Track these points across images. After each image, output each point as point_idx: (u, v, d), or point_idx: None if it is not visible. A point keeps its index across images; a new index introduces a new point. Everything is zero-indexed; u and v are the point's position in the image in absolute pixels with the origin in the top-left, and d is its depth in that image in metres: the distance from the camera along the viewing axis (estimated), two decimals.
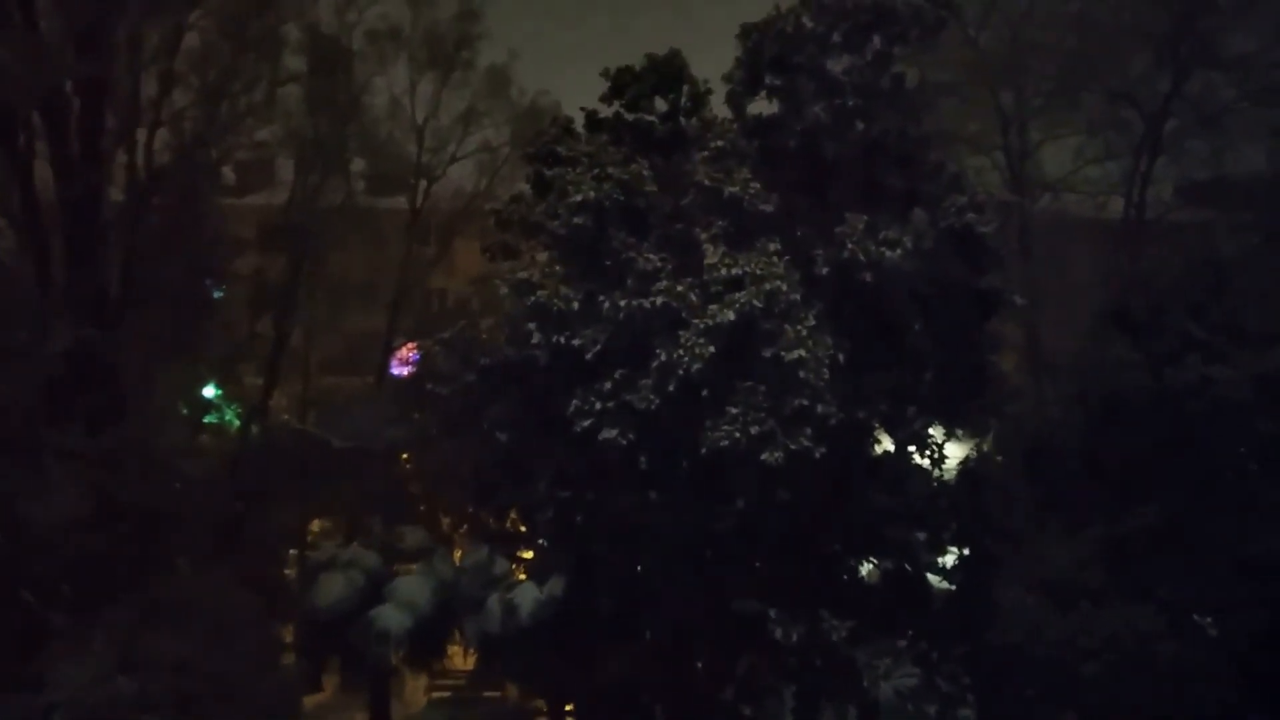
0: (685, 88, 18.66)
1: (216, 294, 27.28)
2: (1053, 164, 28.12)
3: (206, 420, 26.51)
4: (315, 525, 27.43)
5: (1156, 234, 27.11)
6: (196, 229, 23.19)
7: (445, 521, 24.38)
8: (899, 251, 16.32)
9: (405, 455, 25.24)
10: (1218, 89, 26.55)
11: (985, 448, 19.57)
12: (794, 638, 16.47)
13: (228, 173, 28.45)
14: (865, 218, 16.59)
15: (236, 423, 26.82)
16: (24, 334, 17.48)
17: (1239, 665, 17.33)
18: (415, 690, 26.22)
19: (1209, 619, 18.42)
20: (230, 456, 23.62)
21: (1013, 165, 27.66)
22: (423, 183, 29.41)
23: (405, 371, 29.59)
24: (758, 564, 17.80)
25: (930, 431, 17.99)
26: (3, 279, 19.24)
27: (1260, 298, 19.08)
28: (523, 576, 19.63)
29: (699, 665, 18.75)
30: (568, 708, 21.32)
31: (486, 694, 26.64)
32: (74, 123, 19.08)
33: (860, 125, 17.66)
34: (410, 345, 29.52)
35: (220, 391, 26.69)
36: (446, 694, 26.95)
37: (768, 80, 18.00)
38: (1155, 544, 18.16)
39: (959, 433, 18.83)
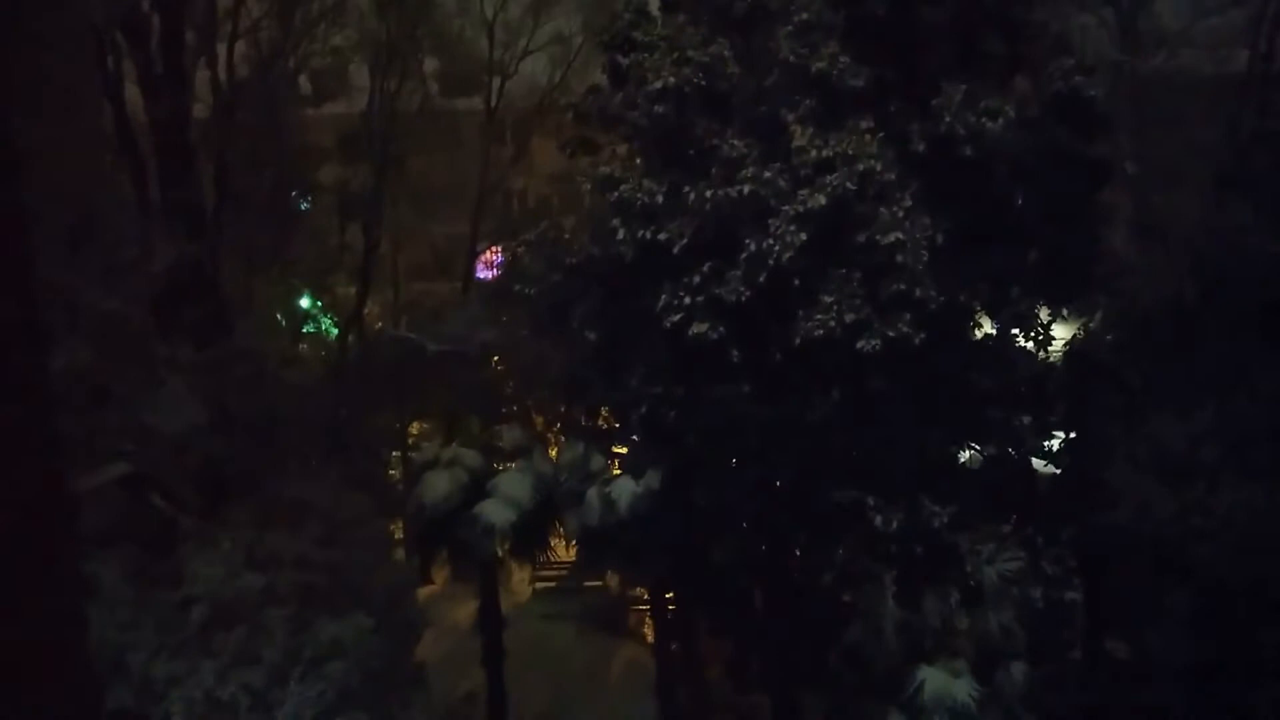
0: None
1: (303, 205, 27.77)
2: (1169, 16, 25.81)
3: (305, 330, 27.36)
4: (415, 427, 28.35)
5: None
6: (280, 141, 23.46)
7: (539, 421, 24.88)
8: (1001, 121, 15.34)
9: (497, 357, 25.64)
10: None
11: (1093, 327, 18.75)
12: (894, 525, 16.38)
13: (304, 83, 28.52)
14: (964, 87, 15.58)
15: (334, 331, 27.59)
16: (130, 252, 18.05)
17: None
18: (521, 581, 27.34)
19: None
20: (331, 364, 24.37)
21: (1123, 22, 25.54)
22: (496, 81, 28.96)
23: (490, 275, 29.85)
24: (855, 453, 17.61)
25: (1035, 312, 17.27)
26: (108, 199, 19.81)
27: None
28: (618, 471, 19.93)
29: (797, 553, 18.90)
30: (667, 595, 21.89)
31: (589, 583, 27.63)
32: (155, 41, 19.26)
33: None
34: (494, 248, 29.66)
35: (317, 301, 27.42)
36: (551, 584, 28.06)
37: None
38: (1275, 419, 17.28)
39: (1065, 313, 18.05)
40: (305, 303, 27.29)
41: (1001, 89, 15.84)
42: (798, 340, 15.67)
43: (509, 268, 21.61)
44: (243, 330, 19.23)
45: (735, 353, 16.45)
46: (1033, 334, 17.47)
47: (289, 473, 17.79)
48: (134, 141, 19.40)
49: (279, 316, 25.33)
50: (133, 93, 19.50)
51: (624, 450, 20.35)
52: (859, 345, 15.23)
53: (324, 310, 27.39)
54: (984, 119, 15.32)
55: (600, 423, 21.48)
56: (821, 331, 15.34)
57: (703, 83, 16.48)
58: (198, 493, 17.14)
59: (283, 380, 18.78)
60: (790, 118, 16.24)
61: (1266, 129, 20.95)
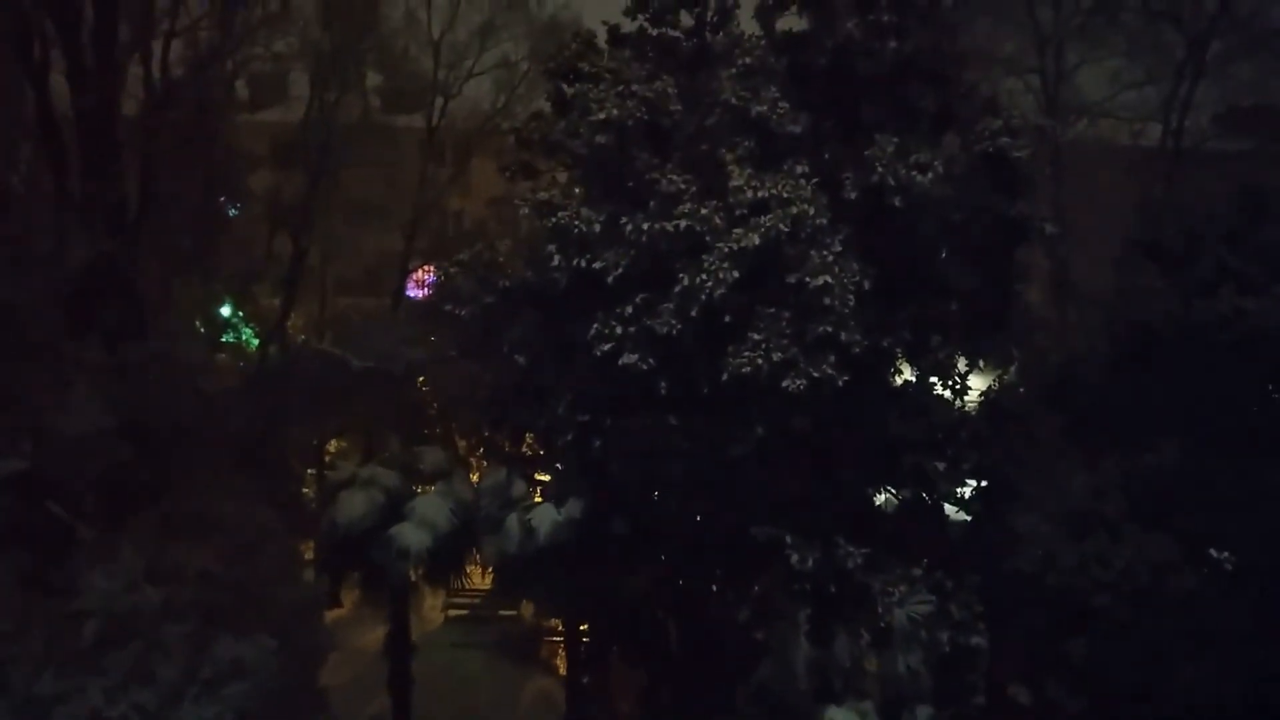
0: (712, 1, 18.01)
1: (231, 211, 27.14)
2: (1090, 88, 27.21)
3: (224, 339, 26.60)
4: (333, 444, 27.70)
5: (1194, 162, 26.32)
6: (211, 144, 22.95)
7: (462, 444, 24.55)
8: (930, 176, 15.91)
9: (422, 378, 25.26)
10: (1269, 9, 25.42)
11: (1007, 378, 19.38)
12: (809, 563, 16.57)
13: (241, 87, 27.99)
14: (896, 140, 16.14)
15: (254, 342, 26.89)
16: (44, 245, 17.39)
17: (1254, 600, 17.36)
18: (433, 608, 26.80)
19: (1225, 553, 18.40)
20: (248, 375, 23.71)
21: (1048, 88, 26.80)
22: (439, 100, 28.85)
23: (421, 293, 29.54)
24: (775, 490, 17.82)
25: (953, 361, 17.78)
26: (22, 190, 19.10)
27: None
28: (540, 499, 19.76)
29: (714, 588, 18.95)
30: (582, 627, 21.70)
31: (503, 612, 27.22)
32: (87, 32, 18.71)
33: (893, 43, 17.03)
34: (426, 267, 29.39)
35: (238, 310, 26.72)
36: (464, 611, 27.56)
37: None
38: (1175, 476, 18.05)
39: (982, 363, 18.64)
40: (226, 311, 26.56)
41: (932, 144, 16.42)
42: (725, 375, 15.85)
43: (441, 287, 21.39)
44: (158, 334, 18.61)
45: (664, 385, 16.57)
46: (950, 383, 17.98)
47: (197, 484, 17.21)
48: (57, 132, 18.73)
49: (198, 323, 24.57)
50: (59, 83, 18.87)
51: (547, 478, 20.22)
52: (784, 384, 15.47)
53: (245, 319, 26.69)
54: (913, 172, 15.84)
55: (524, 449, 21.32)
56: (749, 368, 15.56)
57: (645, 117, 16.73)
58: (99, 500, 16.45)
59: (197, 388, 18.18)
60: (729, 157, 16.57)
61: (1176, 200, 22.12)
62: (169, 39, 20.89)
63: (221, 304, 26.35)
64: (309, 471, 26.03)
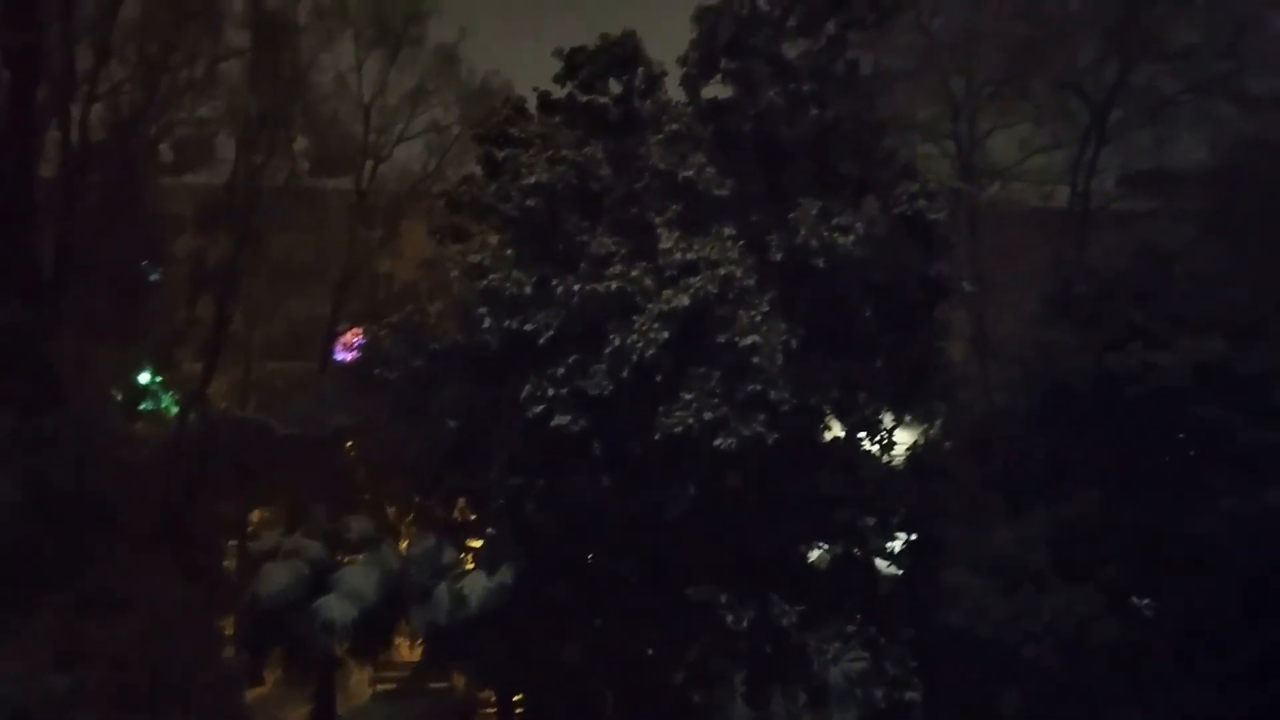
0: (640, 69, 18.43)
1: (153, 276, 26.51)
2: (1001, 152, 28.50)
3: (143, 407, 25.76)
4: (256, 515, 26.84)
5: (1100, 223, 27.64)
6: (133, 208, 22.49)
7: (391, 511, 24.02)
8: (851, 238, 16.32)
9: (350, 443, 24.76)
10: (1162, 80, 27.10)
11: (933, 433, 19.78)
12: (744, 623, 16.50)
13: (166, 150, 27.58)
14: (819, 203, 16.57)
15: (174, 410, 26.08)
16: None
17: (1175, 646, 17.79)
18: (360, 683, 25.82)
19: (1146, 601, 18.88)
20: (168, 444, 22.93)
21: (962, 153, 27.96)
22: (369, 163, 28.83)
23: (349, 357, 29.07)
24: (709, 549, 17.78)
25: (880, 417, 18.10)
26: None
27: (1200, 286, 19.51)
28: (471, 566, 19.38)
29: (649, 651, 18.71)
30: (516, 698, 21.17)
31: (433, 685, 26.36)
32: (3, 94, 18.34)
33: (814, 110, 17.63)
34: (355, 330, 28.99)
35: (157, 377, 25.94)
36: (392, 686, 26.62)
37: (723, 64, 17.88)
38: (1096, 527, 18.55)
39: (908, 419, 18.99)
40: (145, 377, 25.75)
41: (853, 208, 16.91)
42: (658, 435, 15.88)
43: (370, 350, 21.14)
44: (73, 404, 17.96)
45: (596, 446, 16.52)
46: (878, 438, 18.27)
47: (111, 560, 16.52)
48: None
49: (115, 391, 23.74)
50: None
51: (478, 544, 19.86)
52: (716, 443, 15.55)
53: (165, 386, 25.90)
54: (836, 234, 16.26)
55: (456, 514, 20.95)
56: (681, 428, 15.62)
57: (575, 181, 16.96)
58: (4, 579, 15.66)
59: (113, 459, 17.55)
60: (657, 220, 16.83)
61: (1085, 259, 23.13)
62: (90, 102, 20.53)
63: (140, 370, 25.57)
64: (230, 543, 25.13)
